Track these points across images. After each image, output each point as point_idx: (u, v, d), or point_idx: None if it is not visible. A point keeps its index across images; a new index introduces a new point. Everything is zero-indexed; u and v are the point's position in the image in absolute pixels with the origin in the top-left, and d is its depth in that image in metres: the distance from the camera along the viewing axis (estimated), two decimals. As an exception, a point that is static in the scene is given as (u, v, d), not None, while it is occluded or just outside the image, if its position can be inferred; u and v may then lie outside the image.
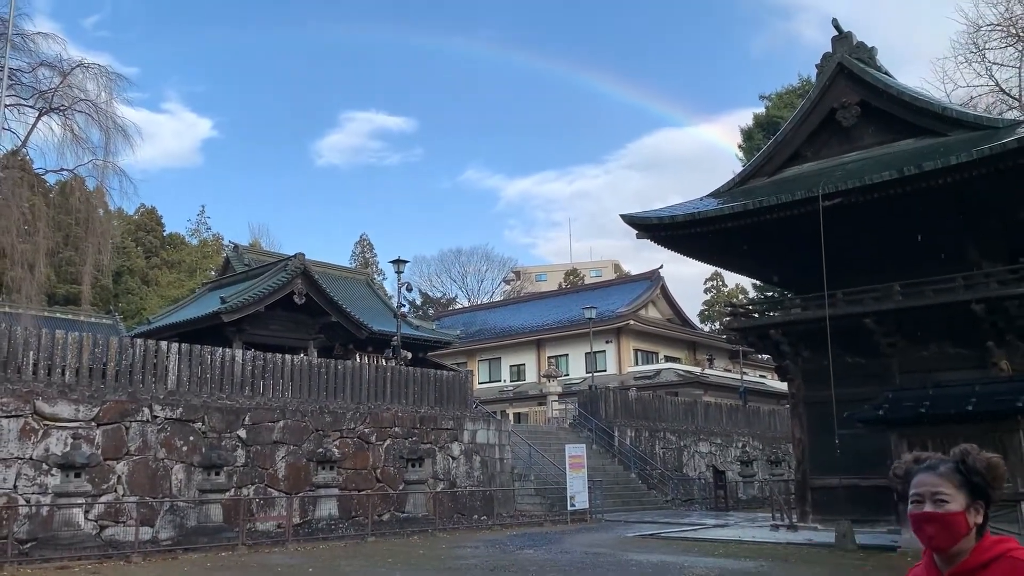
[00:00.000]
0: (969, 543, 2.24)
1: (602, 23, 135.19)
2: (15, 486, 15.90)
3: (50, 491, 15.94)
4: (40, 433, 16.47)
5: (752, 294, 53.21)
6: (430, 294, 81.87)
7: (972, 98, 32.19)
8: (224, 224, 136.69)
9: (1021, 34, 31.13)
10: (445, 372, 28.19)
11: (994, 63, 32.06)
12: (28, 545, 15.18)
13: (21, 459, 16.10)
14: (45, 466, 16.25)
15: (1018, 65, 31.81)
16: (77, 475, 15.60)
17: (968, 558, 2.22)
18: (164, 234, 70.75)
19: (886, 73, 20.84)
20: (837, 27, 20.68)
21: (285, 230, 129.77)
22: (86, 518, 16.22)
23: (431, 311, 73.29)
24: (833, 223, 17.85)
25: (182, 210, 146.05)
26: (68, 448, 16.00)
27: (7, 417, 16.07)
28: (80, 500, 15.81)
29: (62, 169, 32.38)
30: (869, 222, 18.80)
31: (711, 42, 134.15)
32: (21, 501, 15.80)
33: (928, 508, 2.26)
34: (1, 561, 13.94)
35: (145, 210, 67.99)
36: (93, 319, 44.84)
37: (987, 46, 31.86)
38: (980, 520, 2.26)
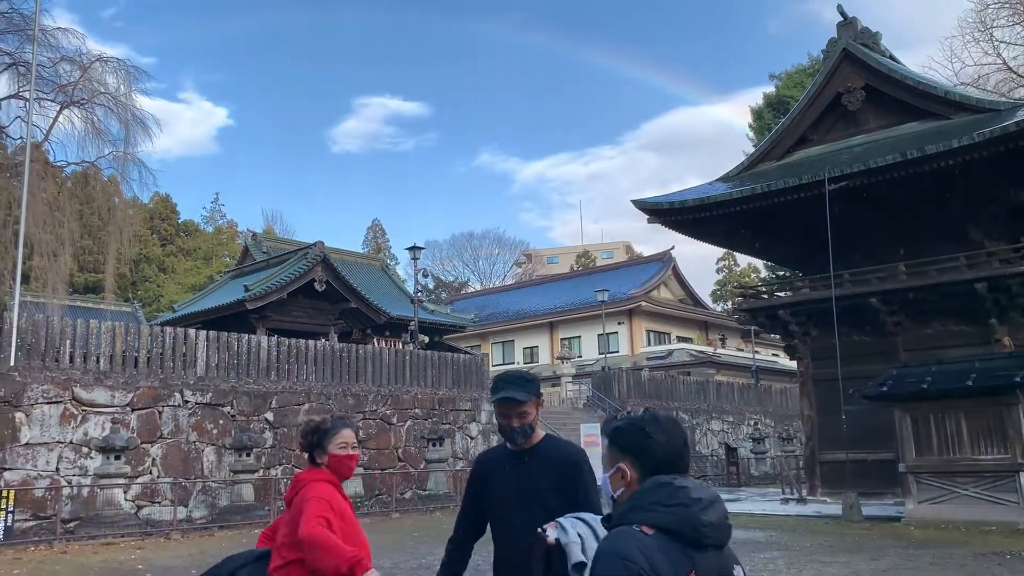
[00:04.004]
0: None
1: (618, 3, 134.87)
2: (57, 468, 16.70)
3: (91, 473, 16.75)
4: (79, 418, 17.25)
5: (764, 274, 53.67)
6: (443, 278, 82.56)
7: (980, 77, 32.51)
8: (238, 211, 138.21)
9: (1028, 12, 31.32)
10: (462, 355, 28.86)
11: (1001, 41, 32.33)
12: (72, 524, 15.97)
13: (62, 443, 16.89)
14: (85, 449, 17.05)
15: (1025, 43, 32.05)
16: (117, 457, 16.39)
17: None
18: (179, 221, 71.59)
19: (891, 57, 21.25)
20: (842, 13, 21.09)
21: (298, 216, 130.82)
22: (125, 498, 17.03)
23: (444, 295, 74.02)
24: (839, 205, 18.38)
25: (196, 197, 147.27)
26: (108, 432, 16.78)
27: (48, 403, 16.86)
28: (120, 481, 16.61)
29: (83, 161, 33.17)
30: (874, 203, 19.30)
31: (728, 21, 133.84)
32: (63, 482, 16.60)
33: (353, 452, 3.71)
34: (50, 539, 14.77)
35: (160, 198, 68.74)
36: (113, 307, 45.65)
37: (995, 24, 32.11)
38: None
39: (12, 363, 16.90)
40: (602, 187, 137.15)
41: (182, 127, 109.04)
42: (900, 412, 16.05)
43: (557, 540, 2.76)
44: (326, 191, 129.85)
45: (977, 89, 30.58)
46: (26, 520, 15.53)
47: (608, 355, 45.70)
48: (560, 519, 2.92)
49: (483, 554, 3.61)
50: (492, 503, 3.43)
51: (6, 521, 14.61)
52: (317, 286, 30.22)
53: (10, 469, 15.94)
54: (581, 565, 2.65)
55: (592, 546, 2.77)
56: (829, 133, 21.57)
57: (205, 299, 34.97)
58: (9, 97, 31.21)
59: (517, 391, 3.32)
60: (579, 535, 2.80)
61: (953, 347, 18.36)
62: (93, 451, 16.87)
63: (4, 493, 14.86)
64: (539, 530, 2.84)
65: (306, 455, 3.79)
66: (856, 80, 20.52)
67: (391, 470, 22.06)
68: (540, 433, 3.45)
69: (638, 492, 2.13)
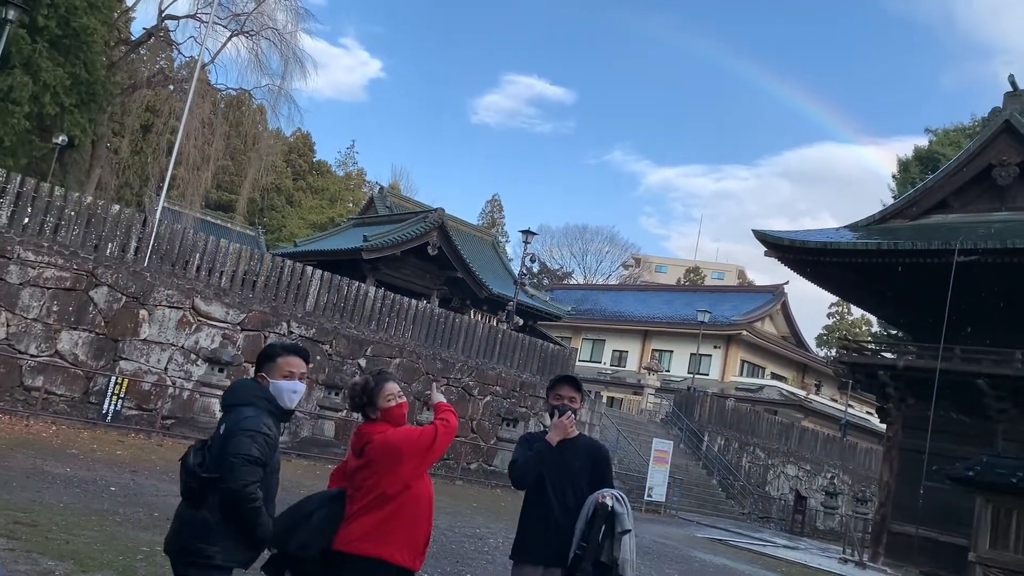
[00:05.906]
0: None
1: (791, 29, 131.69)
2: (166, 368, 18.05)
3: (194, 379, 18.05)
4: (194, 327, 18.55)
5: (875, 329, 51.91)
6: (548, 264, 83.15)
7: None
8: (369, 160, 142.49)
9: None
10: (551, 344, 29.31)
11: None
12: (169, 421, 17.31)
13: (174, 346, 18.22)
14: (193, 356, 18.34)
15: None
16: (220, 370, 17.61)
17: None
18: (313, 160, 74.38)
19: (1056, 138, 20.32)
20: (1013, 83, 20.28)
21: (424, 176, 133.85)
22: (219, 409, 18.24)
23: (545, 281, 74.59)
24: (964, 277, 17.83)
25: (333, 140, 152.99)
26: (217, 345, 18.03)
27: (170, 307, 18.20)
28: (219, 392, 17.79)
29: (240, 88, 35.18)
30: (1002, 283, 18.62)
31: (901, 65, 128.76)
32: (169, 382, 17.95)
33: (401, 400, 4.05)
34: (149, 431, 16.08)
35: (300, 134, 71.54)
36: (239, 228, 48.09)
37: None
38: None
39: (146, 263, 18.32)
40: (728, 206, 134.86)
41: (336, 71, 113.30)
42: (982, 500, 15.59)
43: (612, 508, 4.01)
44: (455, 157, 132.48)
45: None
46: (131, 409, 16.90)
47: (697, 376, 45.35)
48: (608, 491, 4.19)
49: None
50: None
51: (116, 405, 15.98)
52: (430, 250, 31.23)
53: (126, 359, 17.34)
54: (627, 532, 3.93)
55: (629, 519, 4.09)
56: (971, 203, 20.85)
57: (326, 240, 36.59)
58: (188, 16, 33.36)
59: (575, 379, 4.77)
60: (626, 508, 4.10)
61: (1055, 447, 17.65)
62: (200, 359, 18.15)
63: (119, 380, 16.23)
64: (599, 498, 4.08)
65: (358, 413, 4.11)
66: (1012, 155, 19.74)
67: (462, 439, 22.74)
68: (577, 431, 4.67)
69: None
